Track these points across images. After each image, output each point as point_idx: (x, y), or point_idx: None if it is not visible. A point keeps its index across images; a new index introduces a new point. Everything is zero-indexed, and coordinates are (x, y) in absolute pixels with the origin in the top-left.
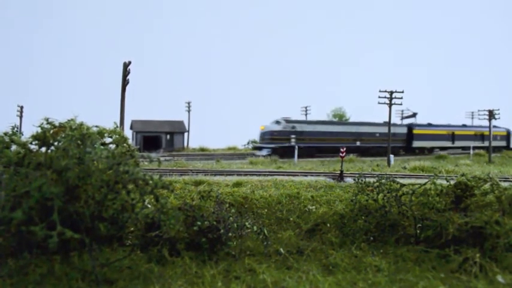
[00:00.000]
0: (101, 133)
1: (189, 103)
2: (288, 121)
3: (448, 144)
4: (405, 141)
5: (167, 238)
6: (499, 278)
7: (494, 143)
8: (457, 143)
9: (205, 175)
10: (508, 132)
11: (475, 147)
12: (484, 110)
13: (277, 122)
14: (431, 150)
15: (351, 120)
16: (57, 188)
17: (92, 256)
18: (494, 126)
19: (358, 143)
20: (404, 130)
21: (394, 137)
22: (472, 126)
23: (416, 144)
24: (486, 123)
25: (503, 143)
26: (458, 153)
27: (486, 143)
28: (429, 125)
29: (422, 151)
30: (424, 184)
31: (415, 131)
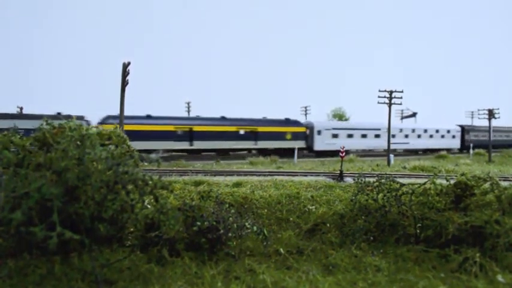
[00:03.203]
0: (101, 134)
1: (188, 103)
2: None
3: (181, 145)
4: None
5: (167, 238)
6: (499, 278)
7: (280, 144)
8: (200, 144)
9: (205, 175)
10: (311, 128)
11: (239, 150)
12: (484, 110)
13: None
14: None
15: None
16: (57, 188)
17: (91, 257)
18: (287, 121)
19: None
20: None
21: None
22: (238, 120)
23: None
24: (269, 116)
25: (299, 143)
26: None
27: (261, 144)
28: (148, 117)
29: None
30: (424, 184)
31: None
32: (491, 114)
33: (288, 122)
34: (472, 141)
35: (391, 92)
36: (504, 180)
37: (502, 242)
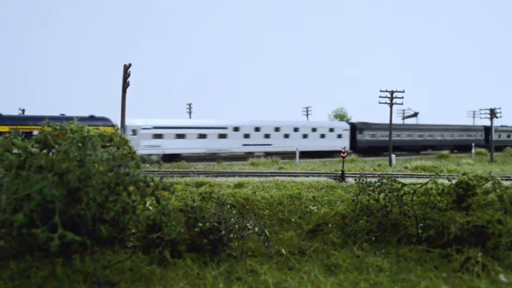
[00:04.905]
0: (102, 135)
1: (190, 104)
2: None
3: None
4: None
5: (169, 240)
6: (502, 277)
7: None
8: None
9: (206, 176)
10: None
11: None
12: (486, 109)
13: None
14: None
15: None
16: (59, 190)
17: (93, 258)
18: (91, 119)
19: None
20: None
21: None
22: (13, 119)
23: None
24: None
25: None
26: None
27: None
28: None
29: None
30: (426, 183)
31: None
32: (492, 113)
33: (92, 120)
34: (366, 141)
35: (392, 92)
36: (506, 179)
37: (504, 241)
